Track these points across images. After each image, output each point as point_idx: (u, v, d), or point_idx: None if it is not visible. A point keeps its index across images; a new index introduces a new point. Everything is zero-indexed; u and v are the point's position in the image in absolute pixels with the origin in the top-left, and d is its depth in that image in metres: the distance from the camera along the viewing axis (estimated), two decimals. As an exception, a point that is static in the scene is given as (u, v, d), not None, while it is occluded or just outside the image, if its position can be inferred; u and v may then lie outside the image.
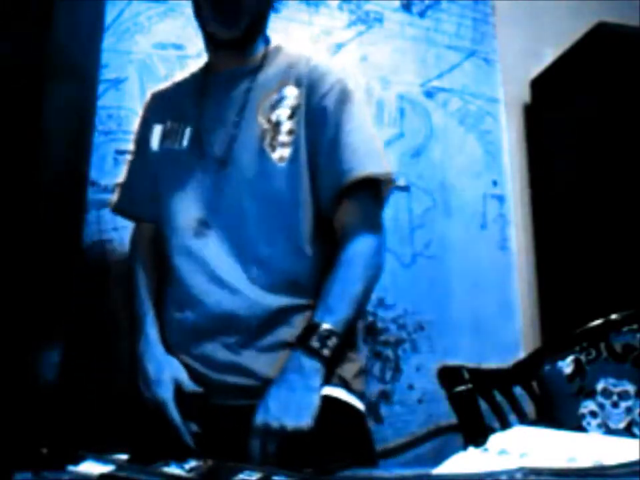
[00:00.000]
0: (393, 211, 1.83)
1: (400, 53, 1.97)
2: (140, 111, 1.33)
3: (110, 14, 1.65)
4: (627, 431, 1.11)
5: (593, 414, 1.15)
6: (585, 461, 0.47)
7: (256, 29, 1.14)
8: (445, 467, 0.52)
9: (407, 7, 2.01)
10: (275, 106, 1.09)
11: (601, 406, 1.15)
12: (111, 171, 1.60)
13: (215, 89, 1.16)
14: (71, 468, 0.54)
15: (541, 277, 1.99)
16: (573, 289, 1.84)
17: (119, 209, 1.29)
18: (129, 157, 1.31)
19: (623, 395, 1.14)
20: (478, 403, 1.23)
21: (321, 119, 1.07)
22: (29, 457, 0.55)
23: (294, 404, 0.93)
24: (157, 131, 1.18)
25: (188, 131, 1.15)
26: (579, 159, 1.88)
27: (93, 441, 0.95)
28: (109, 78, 1.64)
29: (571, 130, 1.92)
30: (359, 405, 1.06)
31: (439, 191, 1.91)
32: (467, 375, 1.24)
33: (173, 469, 0.53)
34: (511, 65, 2.08)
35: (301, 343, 0.97)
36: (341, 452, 0.93)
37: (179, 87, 1.26)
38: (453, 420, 1.24)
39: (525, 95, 2.11)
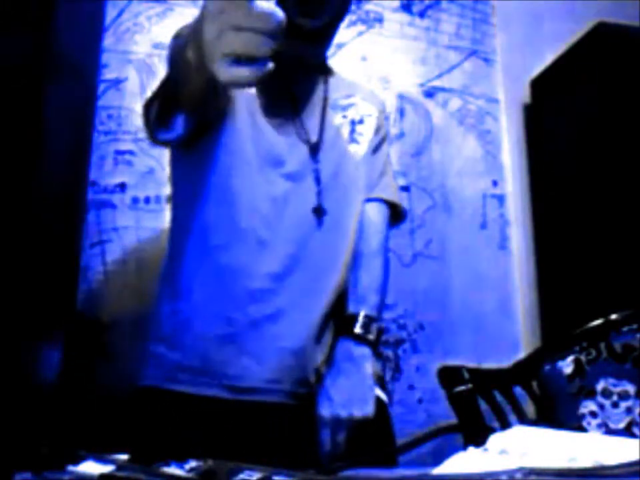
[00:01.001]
0: (393, 210, 1.84)
1: (400, 52, 1.97)
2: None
3: (110, 14, 1.65)
4: (627, 431, 1.11)
5: (593, 414, 1.15)
6: (585, 461, 0.47)
7: (332, 28, 1.14)
8: (445, 467, 0.52)
9: (406, 7, 2.01)
10: (346, 108, 1.18)
11: (601, 406, 1.15)
12: (111, 171, 1.60)
13: (302, 74, 1.15)
14: (71, 468, 0.54)
15: (541, 277, 1.99)
16: (573, 289, 1.84)
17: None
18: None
19: (623, 395, 1.14)
20: (478, 403, 1.23)
21: (382, 139, 1.22)
22: (29, 457, 0.55)
23: (356, 392, 0.98)
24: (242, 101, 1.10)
25: (270, 105, 1.10)
26: (578, 159, 1.88)
27: (93, 441, 0.95)
28: (109, 78, 1.64)
29: (571, 130, 1.92)
30: (384, 397, 1.10)
31: (439, 191, 1.91)
32: (466, 375, 1.24)
33: (173, 469, 0.53)
34: (511, 65, 2.08)
35: (346, 332, 1.02)
36: (367, 442, 0.97)
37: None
38: (453, 420, 1.24)
39: (525, 95, 2.11)
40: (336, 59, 1.88)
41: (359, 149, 1.16)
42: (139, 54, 1.69)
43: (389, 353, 1.75)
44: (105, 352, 1.46)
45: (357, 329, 1.01)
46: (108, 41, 1.64)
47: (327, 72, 1.21)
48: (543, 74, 2.06)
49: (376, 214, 1.17)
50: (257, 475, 0.51)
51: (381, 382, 1.09)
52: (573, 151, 1.91)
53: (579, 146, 1.89)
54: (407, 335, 1.78)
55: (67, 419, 1.21)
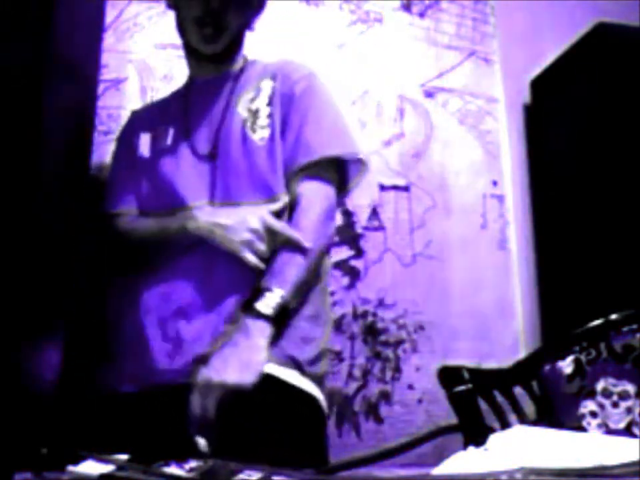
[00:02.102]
0: (392, 211, 1.83)
1: (400, 53, 1.97)
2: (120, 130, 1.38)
3: (110, 14, 1.65)
4: (627, 431, 1.11)
5: (593, 414, 1.15)
6: (585, 461, 0.47)
7: (235, 45, 1.24)
8: (445, 467, 0.52)
9: (407, 6, 2.01)
10: (253, 99, 1.19)
11: (601, 406, 1.15)
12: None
13: (198, 93, 1.24)
14: (71, 468, 0.54)
15: (541, 277, 1.99)
16: (573, 289, 1.84)
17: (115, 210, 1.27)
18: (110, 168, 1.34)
19: (623, 395, 1.14)
20: (478, 403, 1.23)
21: (290, 101, 1.17)
22: (29, 457, 0.55)
23: (237, 360, 0.96)
24: (145, 139, 1.24)
25: (172, 131, 1.22)
26: (578, 159, 1.88)
27: (93, 441, 0.95)
28: (108, 78, 1.64)
29: (570, 130, 1.92)
30: (313, 390, 1.06)
31: (438, 191, 1.91)
32: (466, 375, 1.24)
33: (173, 469, 0.53)
34: (511, 65, 2.08)
35: (245, 307, 1.02)
36: (286, 440, 0.95)
37: (161, 102, 1.35)
38: (453, 420, 1.24)
39: (525, 95, 2.11)
40: (336, 59, 1.89)
41: (264, 133, 1.15)
42: (138, 54, 1.69)
43: (389, 353, 1.75)
44: (105, 352, 1.46)
45: (257, 304, 1.01)
46: (108, 41, 1.64)
47: (239, 74, 1.24)
48: (543, 74, 2.06)
49: (310, 188, 1.14)
50: (257, 475, 0.51)
51: (315, 375, 1.07)
52: (572, 151, 1.91)
53: (578, 146, 1.89)
54: (407, 334, 1.78)
55: (67, 419, 1.21)
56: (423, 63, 1.99)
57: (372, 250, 1.79)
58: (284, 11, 1.82)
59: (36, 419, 1.02)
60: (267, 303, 1.00)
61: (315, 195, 1.13)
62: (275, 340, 1.02)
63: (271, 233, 1.06)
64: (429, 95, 1.97)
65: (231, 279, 1.07)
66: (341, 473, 0.57)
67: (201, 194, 1.14)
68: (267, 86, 1.20)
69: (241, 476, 0.51)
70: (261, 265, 1.05)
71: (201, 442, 0.90)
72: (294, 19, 1.86)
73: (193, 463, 0.54)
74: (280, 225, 1.07)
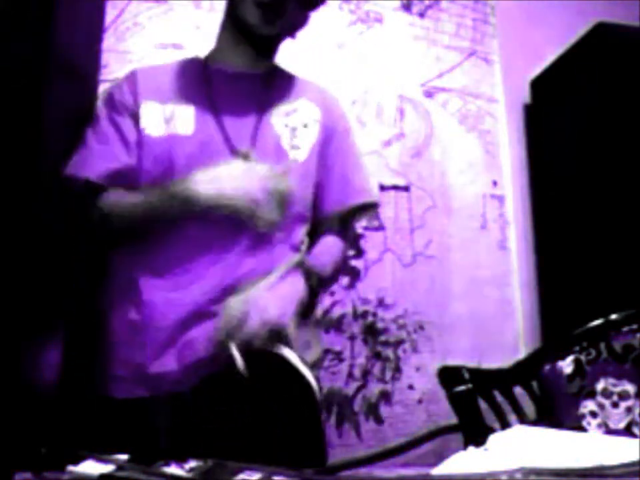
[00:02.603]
0: (392, 211, 1.83)
1: (400, 53, 1.97)
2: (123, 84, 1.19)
3: (110, 14, 1.65)
4: (627, 431, 1.11)
5: (593, 414, 1.15)
6: (585, 461, 0.47)
7: (278, 41, 1.19)
8: (445, 467, 0.52)
9: (407, 6, 2.01)
10: (289, 113, 1.17)
11: (601, 406, 1.15)
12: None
13: (226, 84, 1.16)
14: (71, 468, 0.54)
15: (541, 277, 1.99)
16: (573, 288, 1.84)
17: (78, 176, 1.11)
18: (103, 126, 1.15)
19: (623, 395, 1.14)
20: (478, 403, 1.23)
21: (331, 136, 1.20)
22: (29, 457, 0.55)
23: (283, 308, 1.01)
24: (156, 110, 1.11)
25: (194, 118, 1.12)
26: (578, 159, 1.88)
27: (93, 441, 0.95)
28: (108, 78, 1.64)
29: (570, 130, 1.92)
30: (312, 380, 1.03)
31: (439, 191, 1.91)
32: (467, 375, 1.24)
33: (173, 469, 0.53)
34: (511, 65, 2.09)
35: (299, 264, 1.09)
36: (284, 422, 0.96)
37: (171, 73, 1.19)
38: (453, 420, 1.24)
39: (525, 95, 2.11)
40: (336, 59, 1.89)
41: (299, 155, 1.15)
42: (138, 54, 1.69)
43: (389, 353, 1.75)
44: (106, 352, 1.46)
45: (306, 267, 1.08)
46: (108, 41, 1.64)
47: (271, 75, 1.20)
48: (543, 74, 2.06)
49: (338, 224, 1.22)
50: (257, 475, 0.51)
51: (313, 372, 1.04)
52: (572, 151, 1.91)
53: (578, 146, 1.89)
54: (407, 334, 1.78)
55: (67, 419, 1.21)
56: (423, 63, 1.99)
57: (372, 250, 1.80)
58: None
59: (36, 419, 1.02)
60: (311, 275, 1.08)
61: (337, 243, 1.22)
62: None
63: (278, 197, 1.06)
64: (429, 95, 1.97)
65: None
66: (341, 472, 0.57)
67: None
68: (306, 108, 1.19)
69: (241, 476, 0.51)
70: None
71: (235, 353, 0.93)
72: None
73: (192, 463, 0.54)
74: (286, 186, 1.07)
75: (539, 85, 2.08)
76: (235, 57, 1.17)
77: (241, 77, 1.17)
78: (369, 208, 1.28)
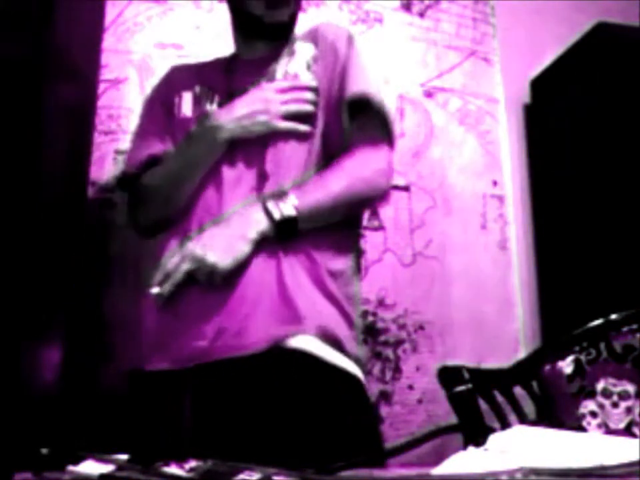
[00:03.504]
0: (392, 211, 1.83)
1: (400, 52, 1.97)
2: (157, 84, 1.30)
3: (110, 14, 1.65)
4: (627, 431, 1.11)
5: (593, 414, 1.15)
6: (585, 461, 0.47)
7: (294, 22, 1.18)
8: (445, 467, 0.52)
9: (407, 6, 2.01)
10: (289, 60, 1.13)
11: (601, 406, 1.15)
12: (111, 171, 1.60)
13: (244, 75, 1.17)
14: (71, 468, 0.54)
15: (541, 277, 1.99)
16: (573, 289, 1.84)
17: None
18: (143, 122, 1.26)
19: (623, 395, 1.14)
20: (478, 403, 1.23)
21: (334, 62, 1.11)
22: (29, 457, 0.55)
23: (224, 243, 0.97)
24: (188, 97, 1.17)
25: (217, 97, 1.15)
26: (579, 159, 1.88)
27: (93, 441, 0.95)
28: (108, 78, 1.64)
29: (571, 130, 1.92)
30: (357, 372, 1.00)
31: (438, 191, 1.91)
32: (467, 375, 1.24)
33: (173, 469, 0.53)
34: (511, 65, 2.08)
35: (260, 198, 1.01)
36: (343, 422, 0.90)
37: (202, 67, 1.26)
38: (453, 420, 1.24)
39: (524, 95, 2.11)
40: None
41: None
42: (138, 54, 1.69)
43: (389, 352, 1.75)
44: (106, 352, 1.46)
45: (269, 202, 0.99)
46: (108, 41, 1.64)
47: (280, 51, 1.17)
48: (543, 74, 2.06)
49: (361, 130, 1.09)
50: (257, 475, 0.51)
51: (349, 355, 1.00)
52: (572, 151, 1.91)
53: (578, 146, 1.89)
54: (407, 334, 1.78)
55: (67, 419, 1.21)
56: (423, 63, 1.99)
57: (372, 250, 1.79)
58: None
59: (36, 419, 1.02)
60: (278, 203, 0.99)
61: (372, 153, 1.09)
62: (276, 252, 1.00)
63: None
64: (429, 95, 1.97)
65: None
66: (340, 472, 0.57)
67: None
68: (303, 49, 1.14)
69: (241, 476, 0.51)
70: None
71: (156, 290, 0.98)
72: (294, 19, 1.86)
73: (192, 463, 0.54)
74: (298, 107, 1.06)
75: (538, 84, 2.08)
76: (255, 51, 1.18)
77: (256, 63, 1.17)
78: (370, 107, 1.11)
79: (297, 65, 1.12)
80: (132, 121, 1.64)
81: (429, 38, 2.01)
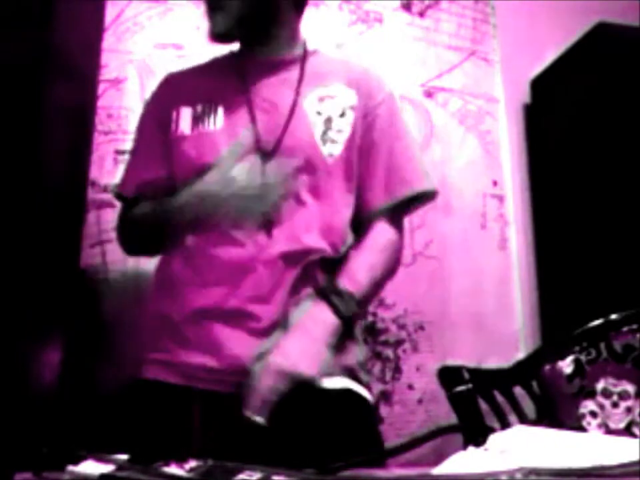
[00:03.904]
0: (393, 210, 1.83)
1: (400, 52, 1.97)
2: (151, 95, 1.22)
3: (110, 14, 1.65)
4: (627, 431, 1.11)
5: (593, 414, 1.15)
6: (585, 460, 0.47)
7: (259, 21, 1.10)
8: (445, 467, 0.52)
9: (407, 6, 2.01)
10: (323, 100, 1.07)
11: (601, 406, 1.15)
12: (111, 170, 1.60)
13: (259, 73, 1.10)
14: (71, 468, 0.54)
15: (541, 277, 1.99)
16: (573, 288, 1.84)
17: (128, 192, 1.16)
18: (138, 139, 1.20)
19: (623, 395, 1.14)
20: (478, 403, 1.23)
21: (372, 125, 1.09)
22: (29, 457, 0.55)
23: (307, 354, 0.94)
24: (186, 113, 1.09)
25: (221, 112, 1.07)
26: (578, 159, 1.88)
27: (93, 441, 0.95)
28: (108, 78, 1.64)
29: (570, 130, 1.92)
30: (368, 395, 1.05)
31: (439, 190, 1.91)
32: (467, 375, 1.24)
33: (173, 469, 0.53)
34: (511, 65, 2.08)
35: (323, 296, 0.98)
36: (350, 446, 0.91)
37: (204, 71, 1.18)
38: (453, 420, 1.24)
39: (524, 95, 2.11)
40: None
41: (334, 149, 1.05)
42: (138, 54, 1.69)
43: (389, 353, 1.75)
44: (105, 352, 1.46)
45: (334, 299, 0.97)
46: (108, 41, 1.64)
47: (304, 59, 1.11)
48: (543, 74, 2.06)
49: (388, 216, 1.09)
50: (257, 475, 0.51)
51: (361, 377, 1.04)
52: (572, 151, 1.91)
53: (578, 146, 1.89)
54: (407, 334, 1.78)
55: (67, 418, 1.21)
56: (423, 63, 1.99)
57: (372, 250, 1.79)
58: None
59: (36, 419, 1.02)
60: (344, 303, 0.98)
61: (386, 238, 1.08)
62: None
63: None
64: (429, 95, 1.97)
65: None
66: (341, 472, 0.57)
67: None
68: (341, 94, 1.08)
69: (241, 476, 0.51)
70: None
71: (259, 420, 0.90)
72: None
73: (192, 463, 0.54)
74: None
75: (539, 84, 2.08)
76: (261, 48, 1.12)
77: (272, 66, 1.11)
78: (424, 197, 1.13)
79: (332, 109, 1.06)
80: (132, 121, 1.64)
81: (429, 38, 2.01)
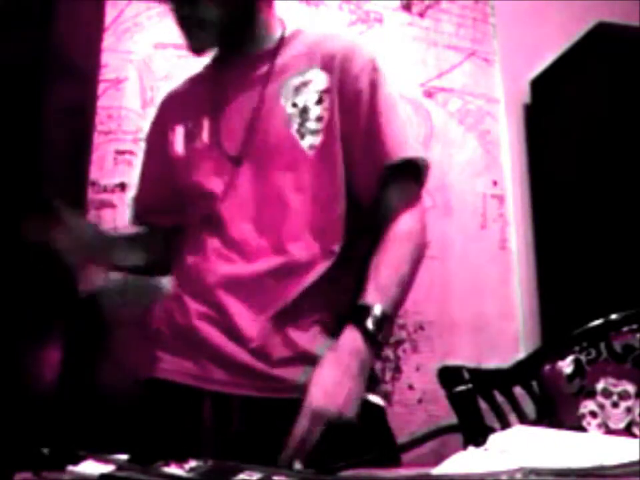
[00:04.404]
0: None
1: (400, 52, 1.97)
2: (152, 114, 1.22)
3: (110, 14, 1.65)
4: (627, 431, 1.11)
5: (593, 414, 1.15)
6: (584, 460, 0.47)
7: (237, 26, 1.03)
8: (445, 467, 0.52)
9: (407, 7, 2.01)
10: (299, 89, 0.99)
11: (601, 406, 1.15)
12: (110, 171, 1.60)
13: (229, 76, 1.05)
14: (71, 468, 0.54)
15: (541, 277, 1.99)
16: (573, 289, 1.84)
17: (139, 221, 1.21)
18: (141, 163, 1.21)
19: (623, 395, 1.14)
20: (478, 403, 1.23)
21: (355, 104, 0.98)
22: (29, 457, 0.55)
23: (352, 393, 0.87)
24: (180, 133, 1.08)
25: (207, 125, 1.04)
26: (578, 159, 1.88)
27: (93, 441, 0.95)
28: (108, 78, 1.64)
29: (570, 130, 1.92)
30: (381, 401, 1.02)
31: (439, 190, 1.91)
32: (467, 375, 1.24)
33: (173, 469, 0.53)
34: (511, 65, 2.08)
35: (358, 324, 0.89)
36: (365, 450, 0.86)
37: (193, 82, 1.16)
38: (453, 420, 1.24)
39: (524, 95, 2.11)
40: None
41: (315, 140, 0.97)
42: (138, 54, 1.69)
43: (389, 352, 1.75)
44: (105, 352, 1.46)
45: (369, 325, 0.87)
46: (108, 41, 1.64)
47: (275, 51, 1.04)
48: (543, 74, 2.06)
49: (399, 196, 0.98)
50: (257, 475, 0.51)
51: (374, 385, 1.00)
52: (572, 151, 1.91)
53: (578, 146, 1.89)
54: (407, 334, 1.78)
55: (67, 418, 1.21)
56: (423, 63, 1.99)
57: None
58: (284, 11, 1.81)
59: (36, 419, 1.02)
60: (378, 326, 0.88)
61: (406, 204, 0.98)
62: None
63: None
64: (429, 95, 1.97)
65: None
66: (341, 472, 0.57)
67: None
68: (317, 78, 0.99)
69: (241, 476, 0.51)
70: None
71: (298, 466, 0.83)
72: (294, 19, 1.85)
73: (192, 463, 0.54)
74: None
75: (539, 84, 2.08)
76: (239, 48, 1.06)
77: (244, 62, 1.05)
78: (415, 168, 1.00)
79: (308, 97, 0.98)
80: (132, 121, 1.64)
81: (429, 38, 2.01)
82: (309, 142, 0.97)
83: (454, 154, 1.96)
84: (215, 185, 1.00)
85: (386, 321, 0.89)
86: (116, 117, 1.64)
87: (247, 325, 0.93)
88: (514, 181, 2.02)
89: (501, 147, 2.02)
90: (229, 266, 0.97)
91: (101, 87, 1.60)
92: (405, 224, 0.97)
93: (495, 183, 1.99)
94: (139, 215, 1.20)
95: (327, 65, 1.00)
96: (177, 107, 1.13)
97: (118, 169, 1.60)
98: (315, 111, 0.98)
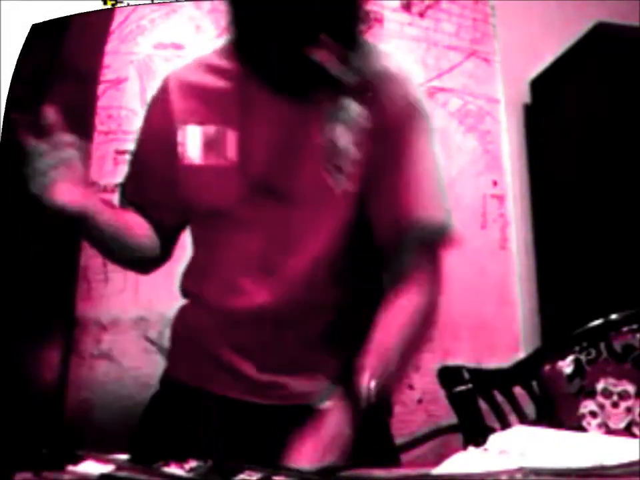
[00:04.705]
0: (393, 211, 1.84)
1: (400, 53, 1.97)
2: (154, 98, 0.98)
3: (116, 19, 1.65)
4: (627, 431, 1.11)
5: (593, 414, 1.15)
6: (584, 461, 0.47)
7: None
8: (445, 467, 0.52)
9: (407, 7, 2.01)
10: (334, 122, 0.87)
11: (601, 406, 1.15)
12: (111, 171, 1.60)
13: (266, 97, 0.86)
14: (71, 468, 0.54)
15: (541, 277, 1.99)
16: (572, 289, 1.84)
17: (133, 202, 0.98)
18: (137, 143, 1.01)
19: (623, 395, 1.14)
20: (478, 403, 1.23)
21: (387, 146, 0.89)
22: (29, 457, 0.55)
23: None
24: (196, 135, 0.90)
25: (232, 137, 0.88)
26: (578, 159, 1.88)
27: (93, 441, 0.95)
28: (109, 78, 1.64)
29: (570, 130, 1.92)
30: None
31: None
32: (467, 375, 1.24)
33: (173, 469, 0.53)
34: (511, 65, 2.08)
35: (346, 395, 0.79)
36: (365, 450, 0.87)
37: (209, 71, 0.93)
38: (453, 420, 1.24)
39: (524, 95, 2.11)
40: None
41: (348, 185, 0.87)
42: (139, 54, 1.69)
43: (389, 353, 1.75)
44: (105, 352, 1.46)
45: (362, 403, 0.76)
46: (112, 44, 1.64)
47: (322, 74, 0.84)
48: (543, 74, 2.06)
49: (416, 259, 0.94)
50: (257, 475, 0.51)
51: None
52: (572, 151, 1.91)
53: (578, 146, 1.89)
54: (407, 335, 1.78)
55: (67, 418, 1.21)
56: (423, 63, 1.99)
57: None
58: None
59: (36, 419, 1.02)
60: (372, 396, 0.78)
61: (422, 271, 0.94)
62: None
63: None
64: (429, 94, 1.97)
65: None
66: (341, 472, 0.57)
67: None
68: (354, 111, 0.86)
69: (241, 476, 0.51)
70: None
71: None
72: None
73: (192, 463, 0.54)
74: None
75: (538, 84, 2.08)
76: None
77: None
78: (437, 234, 0.95)
79: (346, 135, 0.86)
80: (132, 121, 1.64)
81: (429, 38, 2.01)
82: (343, 186, 0.86)
83: (454, 154, 1.96)
84: (231, 208, 0.88)
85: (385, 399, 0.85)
86: (116, 117, 1.64)
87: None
88: (514, 181, 2.02)
89: (501, 147, 2.02)
90: (235, 298, 0.89)
91: (102, 87, 1.61)
92: (408, 300, 0.93)
93: (495, 183, 1.99)
94: (131, 202, 0.98)
95: (366, 96, 0.87)
96: (193, 99, 0.92)
97: (118, 169, 1.60)
98: (350, 151, 0.86)
